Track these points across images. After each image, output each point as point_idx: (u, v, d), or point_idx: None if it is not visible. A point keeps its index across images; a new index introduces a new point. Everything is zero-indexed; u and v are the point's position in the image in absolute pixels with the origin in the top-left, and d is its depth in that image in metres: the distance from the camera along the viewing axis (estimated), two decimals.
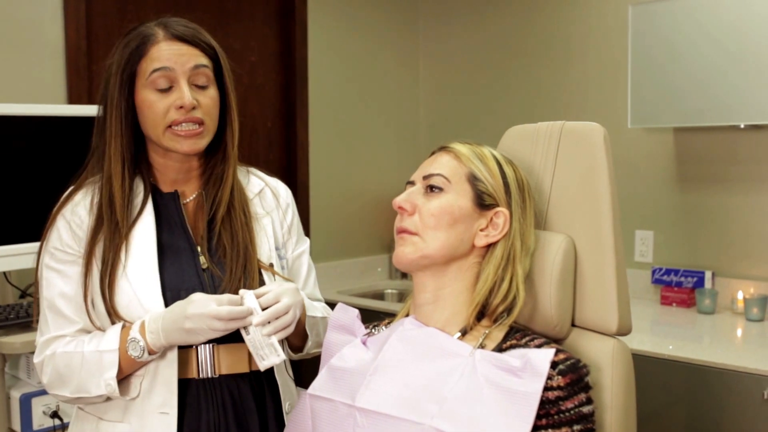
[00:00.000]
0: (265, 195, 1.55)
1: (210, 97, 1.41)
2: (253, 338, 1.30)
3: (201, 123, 1.39)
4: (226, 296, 1.30)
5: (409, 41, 3.90)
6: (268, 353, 1.30)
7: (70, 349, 1.37)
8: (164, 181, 1.47)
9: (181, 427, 1.37)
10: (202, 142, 1.41)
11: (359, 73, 3.68)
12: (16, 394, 2.06)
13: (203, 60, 1.40)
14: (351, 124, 3.66)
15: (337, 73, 3.58)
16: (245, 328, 1.30)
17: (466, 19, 3.74)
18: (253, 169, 1.59)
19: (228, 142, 1.47)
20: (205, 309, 1.27)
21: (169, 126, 1.38)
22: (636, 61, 2.82)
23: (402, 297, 3.65)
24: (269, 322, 1.30)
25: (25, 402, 2.05)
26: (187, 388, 1.39)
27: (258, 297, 1.31)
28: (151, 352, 1.33)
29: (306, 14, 3.42)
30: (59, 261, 1.41)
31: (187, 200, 1.48)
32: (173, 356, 1.36)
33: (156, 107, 1.37)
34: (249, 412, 1.42)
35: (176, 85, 1.37)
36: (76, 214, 1.42)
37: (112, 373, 1.33)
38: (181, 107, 1.36)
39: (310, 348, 1.48)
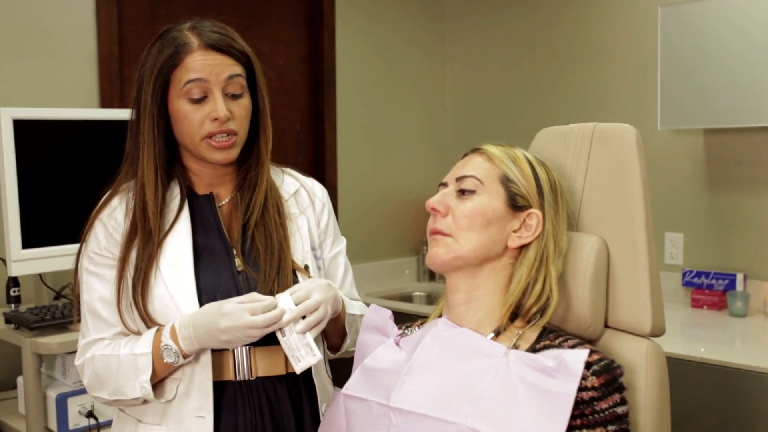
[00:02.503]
0: (301, 195, 1.56)
1: (243, 106, 1.41)
2: (288, 339, 1.31)
3: (233, 133, 1.40)
4: (259, 304, 1.29)
5: (436, 44, 3.90)
6: (304, 354, 1.30)
7: (107, 352, 1.39)
8: (200, 183, 1.48)
9: (218, 429, 1.38)
10: (234, 152, 1.42)
11: (387, 75, 3.69)
12: (52, 394, 2.09)
13: (237, 69, 1.39)
14: (379, 127, 3.67)
15: (364, 76, 3.59)
16: (280, 330, 1.31)
17: (492, 21, 3.74)
18: (287, 169, 1.60)
19: (262, 147, 1.47)
20: (239, 321, 1.27)
21: (205, 137, 1.38)
22: (666, 62, 2.81)
23: (430, 299, 3.66)
24: (303, 318, 1.31)
25: (61, 402, 2.08)
26: (224, 390, 1.40)
27: (291, 295, 1.32)
28: (185, 356, 1.34)
29: (334, 17, 3.44)
30: (98, 265, 1.42)
31: (222, 203, 1.48)
32: (207, 361, 1.37)
33: (191, 118, 1.38)
34: (285, 414, 1.43)
35: (210, 95, 1.37)
36: (113, 218, 1.43)
37: (147, 376, 1.34)
38: (215, 119, 1.37)
39: (348, 346, 1.49)
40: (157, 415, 1.40)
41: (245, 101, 1.42)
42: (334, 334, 1.46)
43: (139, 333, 1.40)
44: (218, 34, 1.40)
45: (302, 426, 1.45)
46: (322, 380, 1.48)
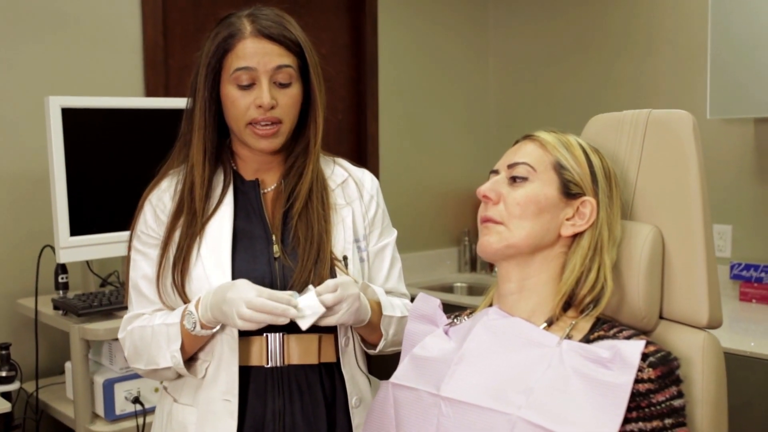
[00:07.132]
0: (348, 186, 1.55)
1: (290, 95, 1.41)
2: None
3: (278, 122, 1.41)
4: (268, 291, 1.30)
5: (479, 33, 3.87)
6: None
7: (144, 324, 1.44)
8: (246, 169, 1.50)
9: (246, 414, 1.40)
10: (277, 141, 1.43)
11: (429, 65, 3.66)
12: (99, 380, 2.12)
13: (286, 59, 1.40)
14: (421, 117, 3.65)
15: (407, 66, 3.57)
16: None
17: (537, 9, 3.69)
18: (339, 159, 1.60)
19: (310, 137, 1.47)
20: (241, 294, 1.28)
21: (250, 123, 1.40)
22: (716, 49, 2.74)
23: (472, 290, 3.64)
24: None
25: (108, 387, 2.10)
26: (255, 376, 1.42)
27: (319, 295, 1.31)
28: (203, 326, 1.36)
29: (376, 6, 3.42)
30: (144, 244, 1.47)
31: (268, 189, 1.50)
32: (234, 345, 1.39)
33: (238, 104, 1.40)
34: (315, 403, 1.43)
35: (257, 83, 1.39)
36: (161, 200, 1.47)
37: (177, 345, 1.38)
38: (260, 106, 1.38)
39: (384, 347, 1.48)
40: (190, 396, 1.43)
41: (293, 91, 1.42)
42: (370, 332, 1.46)
43: (174, 309, 1.44)
44: (272, 22, 1.41)
45: (333, 416, 1.45)
46: (353, 372, 1.48)
